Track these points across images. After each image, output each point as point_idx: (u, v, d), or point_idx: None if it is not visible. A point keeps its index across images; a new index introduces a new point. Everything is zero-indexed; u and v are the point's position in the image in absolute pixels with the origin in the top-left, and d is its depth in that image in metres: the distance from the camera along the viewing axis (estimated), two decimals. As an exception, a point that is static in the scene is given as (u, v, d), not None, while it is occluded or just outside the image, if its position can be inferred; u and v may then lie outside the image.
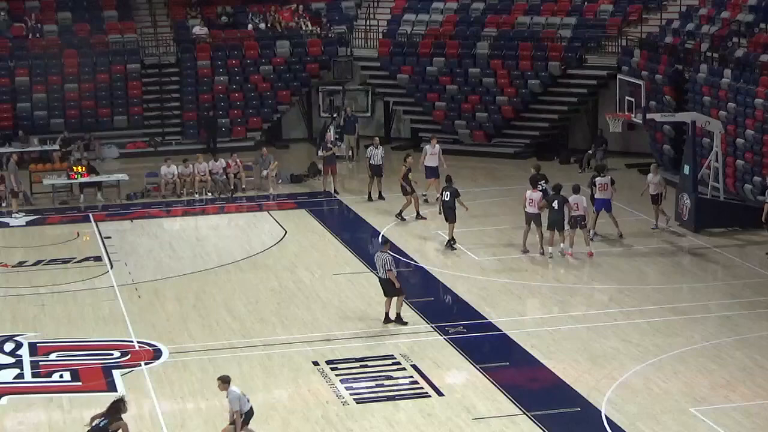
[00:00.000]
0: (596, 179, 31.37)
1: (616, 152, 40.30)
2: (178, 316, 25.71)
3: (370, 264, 29.25)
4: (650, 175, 32.22)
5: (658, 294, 26.79)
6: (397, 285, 24.45)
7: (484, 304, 26.08)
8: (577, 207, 29.25)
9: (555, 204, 29.29)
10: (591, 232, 30.31)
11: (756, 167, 33.51)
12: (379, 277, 24.62)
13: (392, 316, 24.69)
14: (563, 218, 29.31)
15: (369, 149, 36.22)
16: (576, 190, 29.72)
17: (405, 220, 32.99)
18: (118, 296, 27.07)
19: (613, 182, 31.29)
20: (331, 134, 39.25)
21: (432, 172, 35.08)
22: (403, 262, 29.50)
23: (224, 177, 37.17)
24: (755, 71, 34.55)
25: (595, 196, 31.16)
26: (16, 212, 34.90)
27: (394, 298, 24.66)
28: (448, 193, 30.47)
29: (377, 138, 37.82)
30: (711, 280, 27.96)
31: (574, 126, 43.03)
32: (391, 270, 24.25)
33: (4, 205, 35.92)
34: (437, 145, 35.60)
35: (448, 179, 31.12)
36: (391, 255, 24.62)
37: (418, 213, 33.30)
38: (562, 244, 29.55)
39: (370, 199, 35.77)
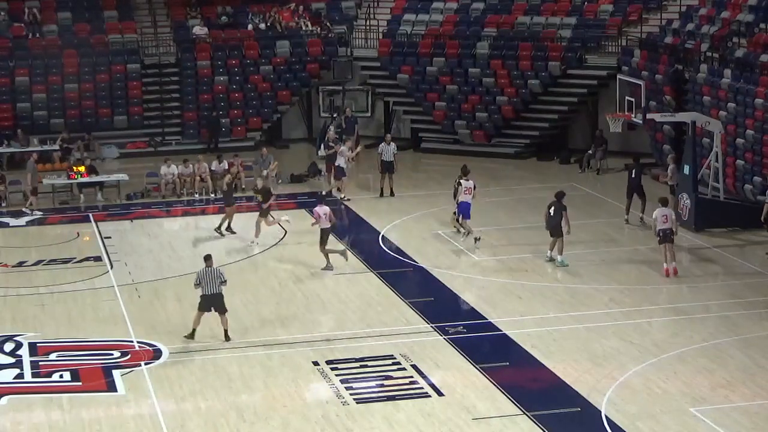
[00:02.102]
0: (462, 181, 30.79)
1: (616, 152, 40.28)
2: (178, 316, 25.70)
3: (371, 264, 29.30)
4: (672, 167, 32.88)
5: (658, 294, 26.79)
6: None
7: (484, 304, 26.08)
8: (666, 219, 27.91)
9: (552, 210, 28.85)
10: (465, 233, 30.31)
11: (756, 167, 33.51)
12: (208, 294, 23.64)
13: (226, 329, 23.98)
14: (560, 224, 28.69)
15: (381, 145, 36.45)
16: (664, 203, 28.61)
17: (235, 233, 32.14)
18: (118, 296, 27.07)
19: (474, 187, 30.62)
20: (332, 133, 39.27)
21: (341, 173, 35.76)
22: (404, 262, 29.54)
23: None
24: (755, 71, 34.56)
25: (459, 199, 30.66)
26: (29, 209, 34.99)
27: (222, 316, 23.91)
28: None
29: (389, 135, 37.95)
30: (711, 280, 27.94)
31: (574, 126, 43.04)
32: (224, 282, 23.70)
33: (3, 205, 35.94)
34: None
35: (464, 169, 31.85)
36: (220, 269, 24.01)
37: (228, 226, 32.27)
38: (558, 255, 28.97)
39: (381, 195, 35.87)
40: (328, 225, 28.67)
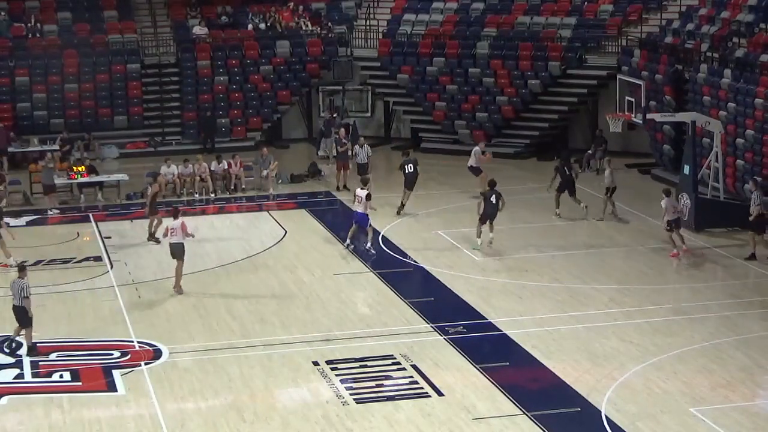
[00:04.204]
0: (356, 190, 30.77)
1: (616, 152, 40.29)
2: (178, 316, 25.71)
3: (370, 264, 29.30)
4: (608, 170, 32.98)
5: (658, 294, 26.79)
6: (30, 313, 23.28)
7: (484, 304, 26.08)
8: (675, 210, 28.93)
9: (493, 198, 29.74)
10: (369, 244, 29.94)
11: (756, 167, 33.51)
12: (13, 304, 23.33)
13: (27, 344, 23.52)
14: (497, 212, 29.71)
15: (355, 147, 36.84)
16: (668, 193, 29.42)
17: (159, 241, 30.85)
18: (118, 296, 27.07)
19: (369, 197, 29.97)
20: (342, 131, 39.32)
21: (476, 171, 35.93)
22: (404, 262, 29.54)
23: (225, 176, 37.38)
24: (755, 71, 34.56)
25: (353, 209, 30.77)
26: (51, 208, 35.07)
27: (25, 329, 23.45)
28: (411, 164, 33.49)
29: (362, 138, 38.02)
30: (711, 280, 27.95)
31: (574, 126, 43.04)
32: (27, 297, 23.24)
33: (4, 205, 35.92)
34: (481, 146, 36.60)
35: (407, 153, 34.83)
36: (28, 282, 23.53)
37: (153, 233, 31.58)
38: (491, 234, 29.82)
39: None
40: (174, 240, 26.92)
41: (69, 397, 21.37)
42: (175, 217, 27.28)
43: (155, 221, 31.57)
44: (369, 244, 29.91)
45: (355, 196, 30.78)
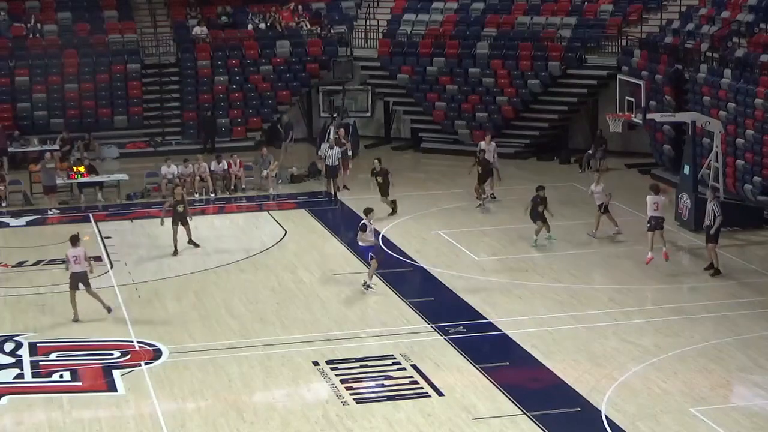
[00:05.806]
0: (362, 221, 27.76)
1: (616, 152, 40.32)
2: (178, 316, 25.71)
3: (369, 264, 29.28)
4: (593, 185, 31.74)
5: (658, 294, 26.79)
6: None
7: (484, 304, 26.08)
8: (657, 207, 28.23)
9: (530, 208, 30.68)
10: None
11: (756, 167, 33.50)
12: None
13: None
14: (540, 212, 30.33)
15: (325, 149, 36.67)
16: (656, 190, 28.59)
17: (177, 252, 30.56)
18: (118, 296, 27.06)
19: (363, 228, 27.34)
20: (342, 131, 39.30)
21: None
22: (404, 262, 29.54)
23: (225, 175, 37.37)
24: (755, 71, 34.55)
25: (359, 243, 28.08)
26: (51, 208, 35.09)
27: None
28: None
29: (332, 139, 37.82)
30: (711, 280, 27.92)
31: (574, 126, 43.03)
32: None
33: (4, 205, 35.96)
34: (492, 142, 36.59)
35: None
36: None
37: (190, 240, 31.01)
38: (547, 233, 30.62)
39: (333, 198, 36.22)
40: (78, 269, 25.18)
41: (69, 397, 21.38)
42: (75, 244, 25.30)
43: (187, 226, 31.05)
44: (369, 280, 27.13)
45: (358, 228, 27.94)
